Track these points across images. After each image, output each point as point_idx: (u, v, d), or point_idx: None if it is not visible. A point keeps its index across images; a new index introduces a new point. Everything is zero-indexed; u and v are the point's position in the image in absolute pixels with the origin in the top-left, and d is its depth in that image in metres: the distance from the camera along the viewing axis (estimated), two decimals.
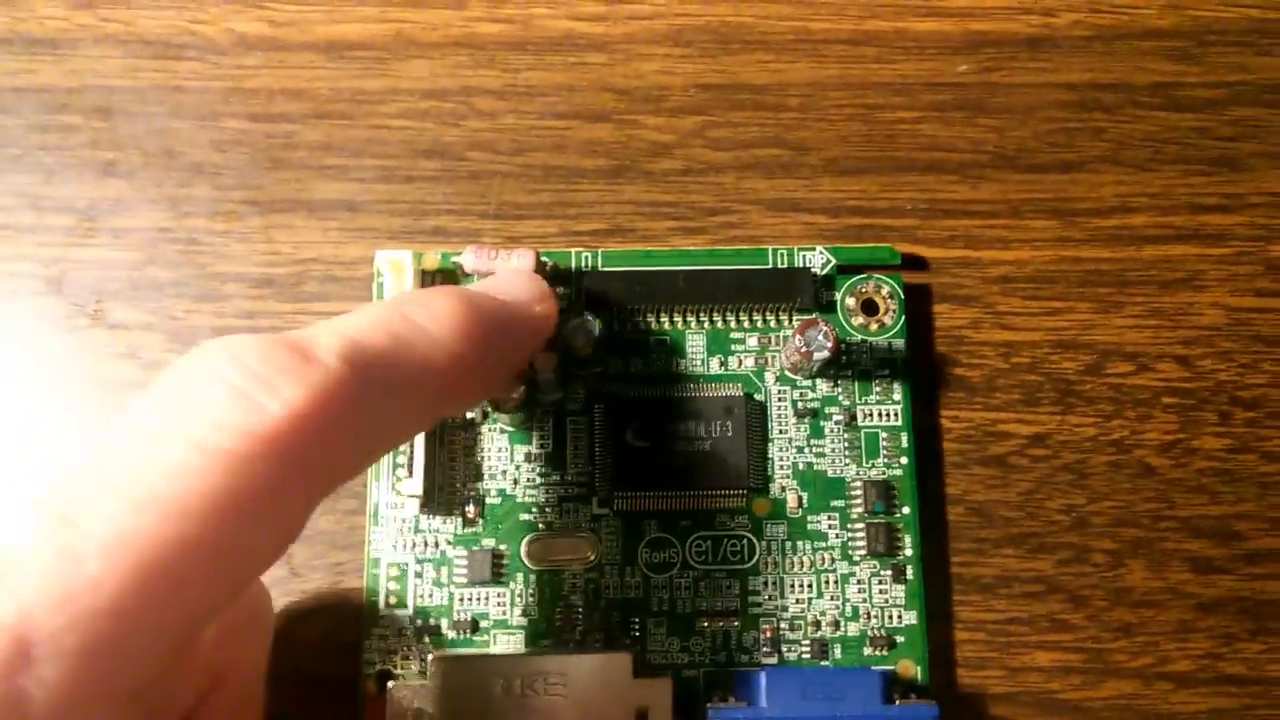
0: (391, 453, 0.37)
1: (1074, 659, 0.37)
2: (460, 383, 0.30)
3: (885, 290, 0.38)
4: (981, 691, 0.37)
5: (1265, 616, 0.37)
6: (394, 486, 0.36)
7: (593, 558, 0.36)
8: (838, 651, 0.36)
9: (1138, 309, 0.39)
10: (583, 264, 0.38)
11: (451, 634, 0.36)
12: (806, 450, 0.37)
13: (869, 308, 0.38)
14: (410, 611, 0.36)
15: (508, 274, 0.35)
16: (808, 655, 0.36)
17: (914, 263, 0.39)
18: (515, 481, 0.37)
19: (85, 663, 0.22)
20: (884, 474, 0.37)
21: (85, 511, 0.23)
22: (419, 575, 0.36)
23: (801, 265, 0.38)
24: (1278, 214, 0.40)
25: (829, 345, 0.36)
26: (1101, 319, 0.39)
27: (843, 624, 0.36)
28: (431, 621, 0.36)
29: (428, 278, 0.38)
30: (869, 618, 0.36)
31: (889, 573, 0.36)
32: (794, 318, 0.38)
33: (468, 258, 0.37)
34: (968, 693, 0.37)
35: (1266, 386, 0.39)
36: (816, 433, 0.37)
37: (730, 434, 0.37)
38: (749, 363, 0.38)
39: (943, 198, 0.40)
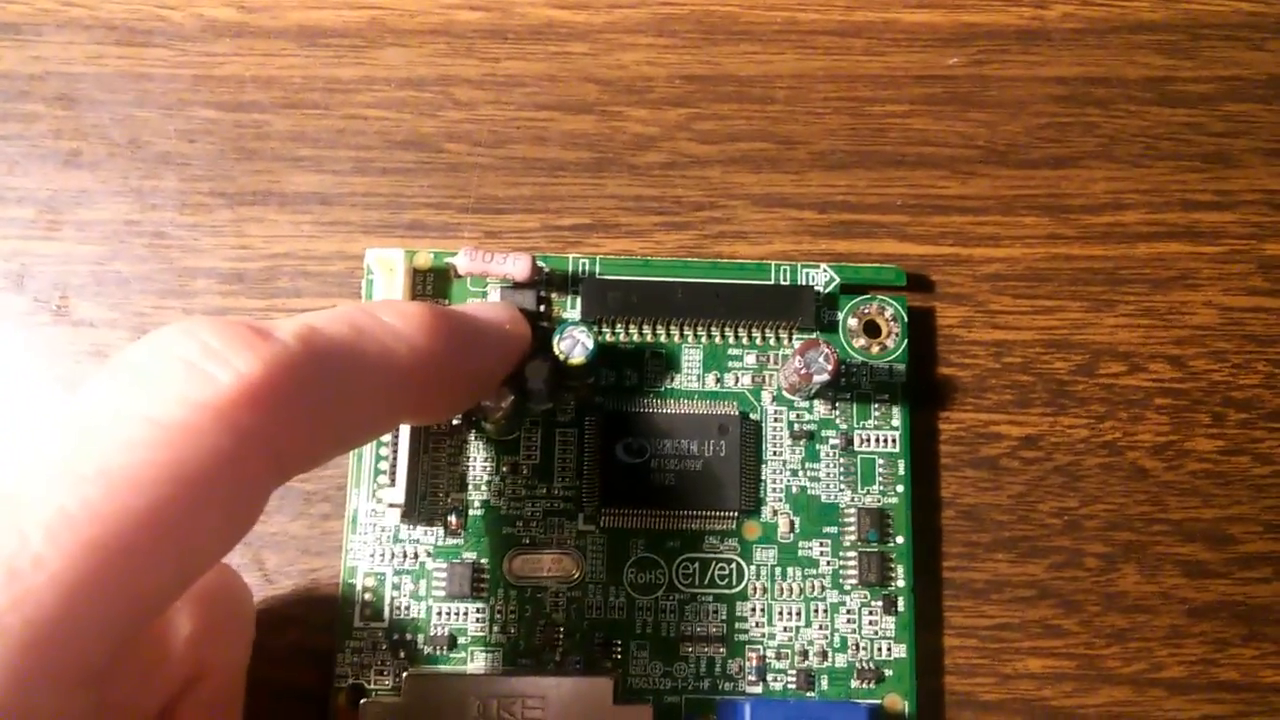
0: (374, 459, 0.33)
1: (1066, 665, 0.34)
2: (424, 384, 0.28)
3: (889, 312, 0.35)
4: (973, 699, 0.34)
5: (1258, 621, 0.34)
6: (374, 494, 0.33)
7: (576, 576, 0.33)
8: (824, 683, 0.33)
9: (1130, 308, 0.36)
10: (580, 270, 0.35)
11: (428, 649, 0.32)
12: (801, 474, 0.34)
13: (871, 329, 0.35)
14: (386, 624, 0.32)
15: (479, 302, 0.33)
16: (793, 686, 0.33)
17: (919, 284, 0.36)
18: (500, 493, 0.33)
19: (28, 643, 0.20)
20: (879, 502, 0.34)
21: (30, 488, 0.21)
22: (396, 587, 0.33)
23: (804, 283, 0.35)
24: (1271, 211, 0.37)
25: (829, 368, 0.32)
26: (1094, 318, 0.36)
27: (830, 654, 0.33)
28: (407, 636, 0.32)
29: (419, 277, 0.35)
30: (858, 649, 0.33)
31: (880, 604, 0.33)
32: (794, 336, 0.35)
33: (462, 260, 0.33)
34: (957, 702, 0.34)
35: (1259, 387, 0.36)
36: (812, 456, 0.34)
37: (723, 453, 0.33)
38: (746, 380, 0.35)
39: (933, 193, 0.37)
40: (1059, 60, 0.38)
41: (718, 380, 0.35)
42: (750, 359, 0.35)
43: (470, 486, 0.33)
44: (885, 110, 0.37)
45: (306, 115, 0.37)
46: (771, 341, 0.35)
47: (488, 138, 0.37)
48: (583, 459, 0.34)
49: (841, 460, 0.34)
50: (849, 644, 0.33)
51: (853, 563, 0.33)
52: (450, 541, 0.33)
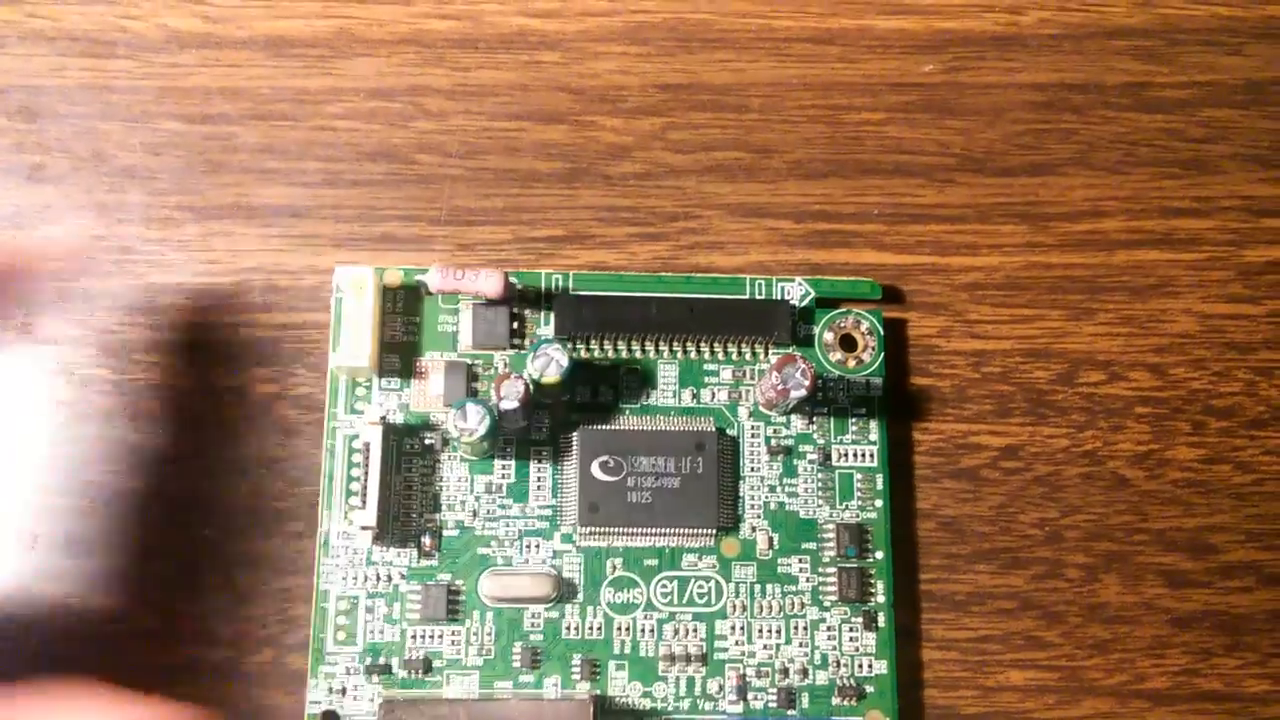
0: (345, 480, 0.32)
1: (1049, 677, 0.33)
2: None
3: (865, 326, 0.34)
4: (954, 712, 0.33)
5: (1241, 631, 0.33)
6: (346, 515, 0.32)
7: (553, 596, 0.32)
8: (805, 701, 0.32)
9: (1109, 316, 0.35)
10: (553, 286, 0.34)
11: (403, 674, 0.31)
12: (779, 490, 0.33)
13: (847, 343, 0.34)
14: (360, 648, 0.31)
15: None
16: (774, 704, 0.32)
17: (895, 295, 0.35)
18: (474, 513, 0.32)
19: None
20: (858, 517, 0.33)
21: None
22: (370, 610, 0.31)
23: (779, 297, 0.34)
24: (1250, 218, 0.36)
25: (806, 384, 0.31)
26: (1073, 326, 0.35)
27: (811, 672, 0.32)
28: (382, 660, 0.31)
29: (389, 295, 0.33)
30: (839, 666, 0.32)
31: (860, 620, 0.32)
32: (770, 351, 0.34)
33: (434, 277, 0.32)
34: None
35: (1240, 395, 0.35)
36: (789, 472, 0.33)
37: (700, 470, 0.32)
38: (722, 396, 0.34)
39: (909, 202, 0.36)
40: (1035, 66, 0.37)
41: (694, 396, 0.34)
42: (726, 374, 0.34)
43: (444, 507, 0.32)
44: (861, 118, 0.36)
45: (274, 127, 0.36)
46: (747, 356, 0.34)
47: (459, 149, 0.36)
48: (557, 477, 0.33)
49: (819, 475, 0.33)
50: (830, 661, 0.32)
51: (832, 579, 0.32)
52: (424, 563, 0.32)
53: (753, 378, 0.34)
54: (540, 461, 0.33)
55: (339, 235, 0.35)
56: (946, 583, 0.33)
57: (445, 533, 0.32)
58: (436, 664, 0.31)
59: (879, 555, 0.33)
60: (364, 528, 0.30)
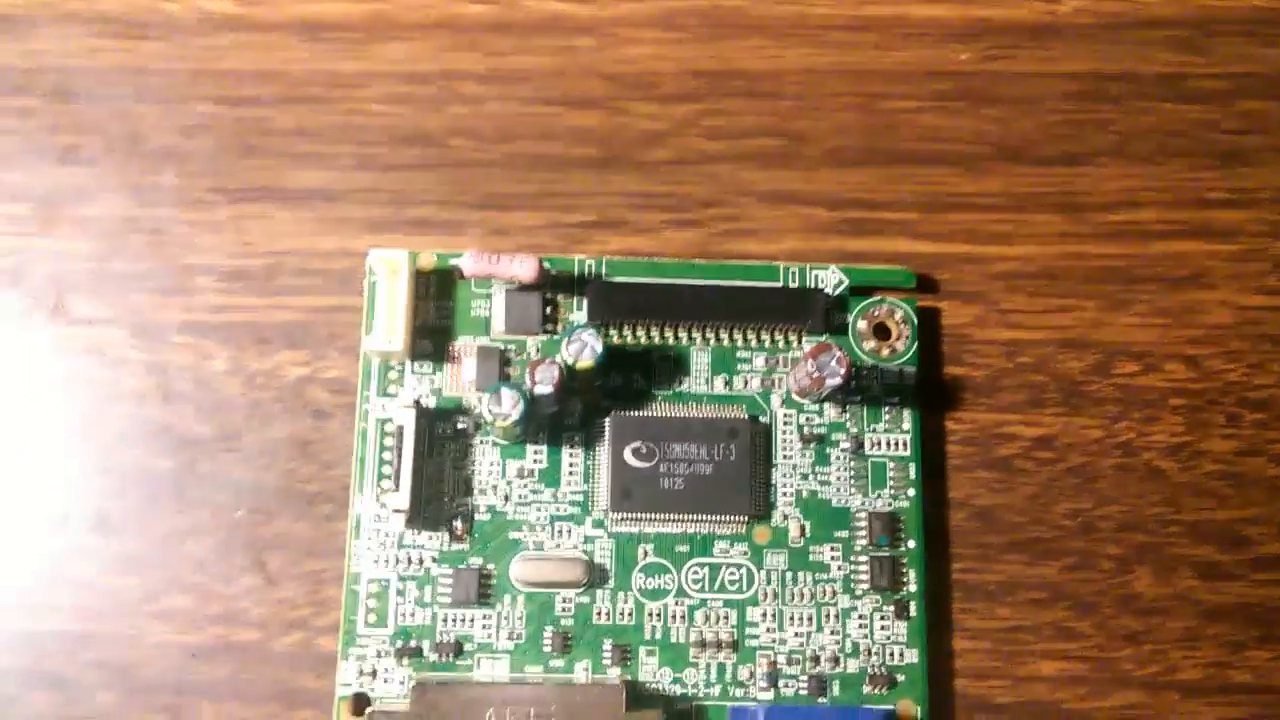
0: (377, 463, 0.32)
1: (1080, 668, 0.33)
2: None
3: (899, 314, 0.34)
4: (985, 702, 0.32)
5: (1274, 623, 0.33)
6: (378, 498, 0.31)
7: (584, 581, 0.32)
8: (836, 689, 0.31)
9: (1144, 307, 0.35)
10: (586, 272, 0.34)
11: (434, 657, 0.31)
12: (811, 478, 0.33)
13: (881, 332, 0.34)
14: (390, 631, 0.31)
15: None
16: (805, 691, 0.31)
17: (929, 284, 0.35)
18: (506, 498, 0.32)
19: None
20: (890, 506, 0.33)
21: None
22: (401, 593, 0.31)
23: (813, 284, 0.34)
24: None
25: (842, 372, 0.31)
26: (1108, 317, 0.35)
27: (842, 660, 0.32)
28: (413, 643, 0.31)
29: (421, 279, 0.33)
30: (869, 654, 0.32)
31: (891, 608, 0.32)
32: (804, 339, 0.33)
33: (468, 261, 0.32)
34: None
35: (1275, 387, 0.34)
36: (822, 460, 0.33)
37: (733, 457, 0.32)
38: (754, 384, 0.33)
39: (944, 191, 0.35)
40: (1072, 56, 0.36)
41: (726, 383, 0.33)
42: (759, 362, 0.33)
43: (476, 491, 0.32)
44: (896, 106, 0.36)
45: (308, 110, 0.35)
46: (780, 344, 0.34)
47: (493, 133, 0.36)
48: (590, 463, 0.32)
49: (852, 464, 0.33)
50: (861, 649, 0.32)
51: (864, 567, 0.32)
52: (455, 547, 0.32)
53: (785, 366, 0.33)
54: (573, 447, 0.32)
55: (372, 219, 0.35)
56: (979, 572, 0.33)
57: (477, 517, 0.32)
58: (468, 647, 0.31)
59: (911, 544, 0.32)
60: (397, 510, 0.30)
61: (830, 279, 0.34)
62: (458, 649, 0.31)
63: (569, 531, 0.32)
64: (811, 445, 0.33)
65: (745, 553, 0.32)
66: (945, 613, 0.33)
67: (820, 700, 0.31)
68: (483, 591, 0.31)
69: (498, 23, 0.36)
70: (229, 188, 0.35)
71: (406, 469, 0.30)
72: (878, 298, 0.34)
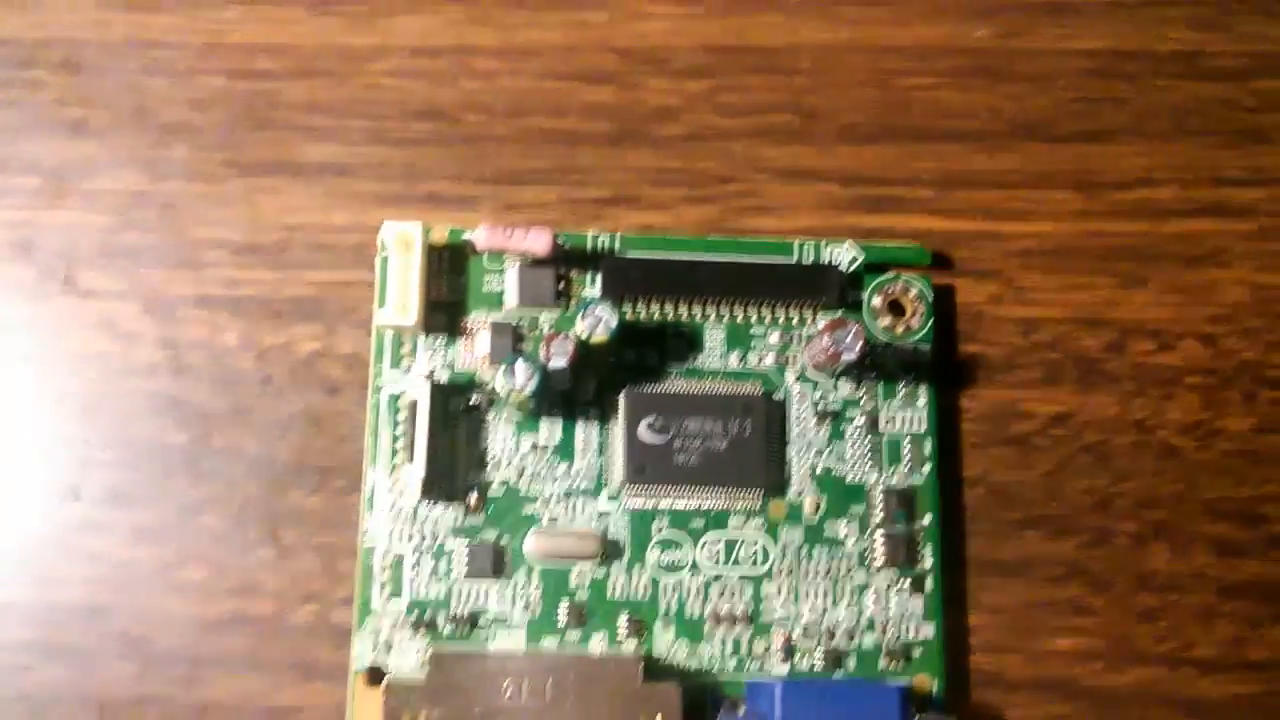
0: (390, 436, 0.32)
1: (1097, 644, 0.32)
2: None
3: (913, 292, 0.33)
4: (1000, 677, 0.32)
5: None
6: (393, 472, 0.31)
7: (599, 555, 0.31)
8: (851, 663, 0.31)
9: (1161, 285, 0.35)
10: (599, 247, 0.33)
11: (448, 629, 0.31)
12: (826, 454, 0.33)
13: (896, 309, 0.33)
14: (405, 604, 0.31)
15: None
16: (820, 666, 0.31)
17: (944, 261, 0.34)
18: (520, 472, 0.32)
19: None
20: (905, 482, 0.32)
21: None
22: (416, 566, 0.31)
23: (828, 261, 0.33)
24: None
25: (858, 346, 0.31)
26: (1124, 295, 0.34)
27: (858, 635, 0.31)
28: (428, 615, 0.31)
29: (434, 253, 0.33)
30: (885, 629, 0.32)
31: (907, 583, 0.32)
32: (818, 315, 0.33)
33: (481, 235, 0.32)
34: (982, 704, 0.32)
35: None
36: (837, 436, 0.33)
37: (748, 433, 0.32)
38: (769, 360, 0.33)
39: (960, 168, 0.35)
40: (1088, 33, 0.36)
41: (741, 359, 0.33)
42: (774, 338, 0.33)
43: (489, 465, 0.32)
44: (912, 83, 0.36)
45: (320, 84, 0.35)
46: (795, 321, 0.33)
47: (505, 108, 0.35)
48: (604, 438, 0.32)
49: (867, 440, 0.33)
50: (876, 624, 0.32)
51: (880, 543, 0.32)
52: (469, 521, 0.31)
53: (800, 341, 0.33)
54: (587, 421, 0.32)
55: (384, 193, 0.34)
56: (994, 549, 0.33)
57: (491, 491, 0.32)
58: (482, 620, 0.31)
59: (926, 520, 0.32)
60: (415, 480, 0.30)
61: (845, 255, 0.34)
62: (473, 621, 0.31)
63: (583, 507, 0.32)
64: (826, 421, 0.33)
65: (760, 528, 0.32)
66: (961, 588, 0.33)
67: (836, 675, 0.31)
68: (497, 565, 0.31)
69: None
70: (240, 161, 0.35)
71: (421, 440, 0.30)
72: (893, 274, 0.34)
